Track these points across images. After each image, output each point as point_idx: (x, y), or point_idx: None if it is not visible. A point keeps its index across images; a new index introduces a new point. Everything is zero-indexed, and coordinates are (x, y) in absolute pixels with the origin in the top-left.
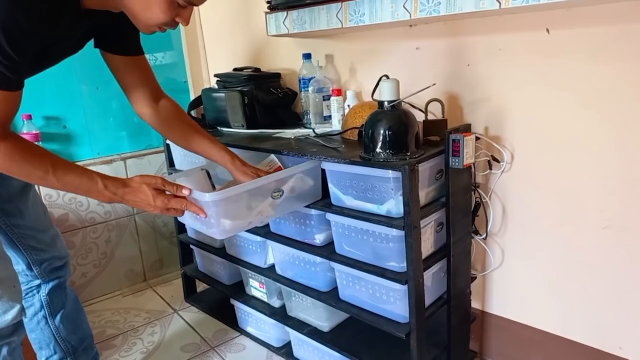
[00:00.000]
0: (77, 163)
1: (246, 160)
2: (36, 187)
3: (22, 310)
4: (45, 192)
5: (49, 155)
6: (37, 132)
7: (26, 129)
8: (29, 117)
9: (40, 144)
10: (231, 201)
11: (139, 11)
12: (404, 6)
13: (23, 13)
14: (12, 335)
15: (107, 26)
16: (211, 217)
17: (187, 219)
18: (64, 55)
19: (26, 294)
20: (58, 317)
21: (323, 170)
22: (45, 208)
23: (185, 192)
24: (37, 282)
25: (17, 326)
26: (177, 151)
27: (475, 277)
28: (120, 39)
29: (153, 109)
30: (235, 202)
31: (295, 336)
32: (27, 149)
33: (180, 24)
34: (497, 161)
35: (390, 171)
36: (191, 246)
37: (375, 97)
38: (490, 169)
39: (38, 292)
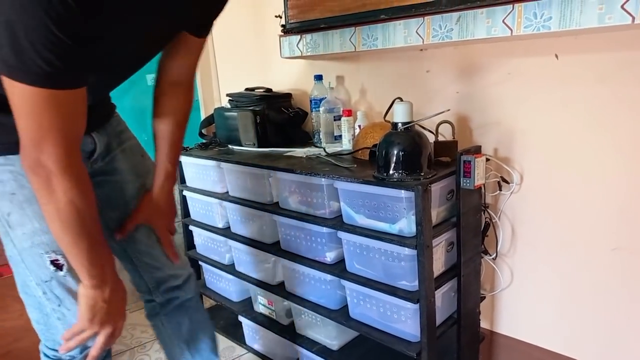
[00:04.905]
0: None
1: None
2: None
3: None
4: None
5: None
6: None
7: None
8: None
9: None
10: None
11: None
12: (416, 32)
13: None
14: None
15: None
16: None
17: None
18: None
19: (150, 314)
20: (182, 337)
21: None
22: None
23: None
24: (156, 302)
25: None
26: (188, 168)
27: (485, 297)
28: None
29: (167, 89)
30: None
31: (304, 354)
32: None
33: None
34: (507, 182)
35: (403, 191)
36: (199, 262)
37: (388, 118)
38: (500, 189)
39: (158, 313)
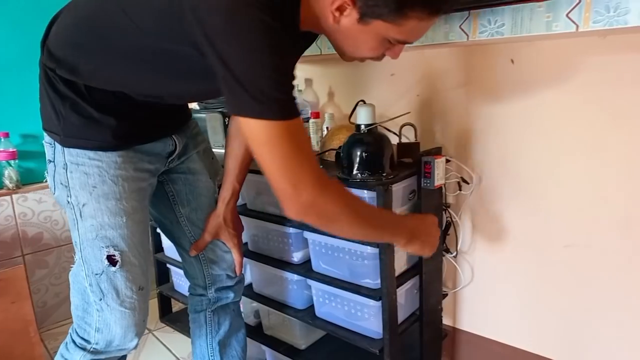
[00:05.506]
0: None
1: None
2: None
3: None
4: (19, 211)
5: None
6: (14, 150)
7: (2, 147)
8: (6, 135)
9: (16, 162)
10: None
11: (347, 46)
12: None
13: (275, 31)
14: None
15: None
16: None
17: None
18: None
19: (195, 309)
20: (217, 337)
21: None
22: None
23: None
24: (207, 297)
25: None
26: None
27: (447, 294)
28: None
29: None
30: None
31: (271, 354)
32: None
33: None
34: (467, 182)
35: (365, 191)
36: (167, 265)
37: (352, 120)
38: (460, 189)
39: (205, 309)
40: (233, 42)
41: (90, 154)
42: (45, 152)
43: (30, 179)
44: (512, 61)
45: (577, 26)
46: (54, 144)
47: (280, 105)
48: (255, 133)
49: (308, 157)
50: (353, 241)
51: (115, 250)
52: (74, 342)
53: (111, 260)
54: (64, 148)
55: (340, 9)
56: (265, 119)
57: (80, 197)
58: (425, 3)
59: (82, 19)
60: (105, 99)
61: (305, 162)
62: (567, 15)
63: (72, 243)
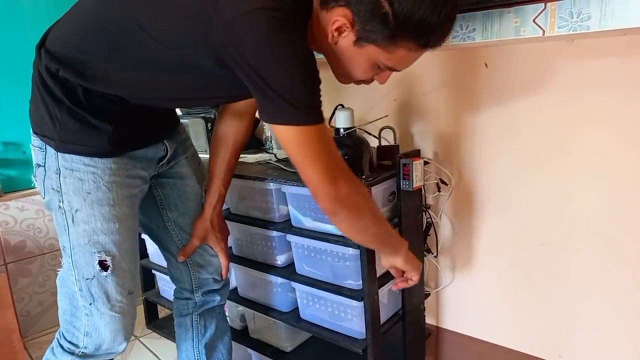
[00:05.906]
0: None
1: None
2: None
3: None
4: (1, 219)
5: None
6: None
7: None
8: None
9: None
10: None
11: (341, 66)
12: None
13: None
14: None
15: None
16: None
17: None
18: None
19: (181, 313)
20: (203, 341)
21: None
22: None
23: None
24: (193, 301)
25: None
26: None
27: (429, 294)
28: None
29: (232, 118)
30: None
31: (257, 357)
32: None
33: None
34: (445, 184)
35: None
36: (153, 271)
37: (332, 124)
38: (439, 191)
39: (191, 313)
40: (270, 58)
41: (86, 160)
42: (33, 156)
43: (11, 186)
44: (486, 65)
45: (544, 31)
46: (45, 148)
47: (317, 111)
48: (298, 139)
49: (338, 155)
50: (335, 243)
51: (107, 255)
52: (61, 346)
53: (103, 266)
54: (58, 153)
55: (339, 30)
56: (306, 125)
57: (74, 202)
58: (415, 36)
59: (87, 25)
60: (103, 104)
61: (338, 160)
62: (533, 20)
63: (56, 251)
